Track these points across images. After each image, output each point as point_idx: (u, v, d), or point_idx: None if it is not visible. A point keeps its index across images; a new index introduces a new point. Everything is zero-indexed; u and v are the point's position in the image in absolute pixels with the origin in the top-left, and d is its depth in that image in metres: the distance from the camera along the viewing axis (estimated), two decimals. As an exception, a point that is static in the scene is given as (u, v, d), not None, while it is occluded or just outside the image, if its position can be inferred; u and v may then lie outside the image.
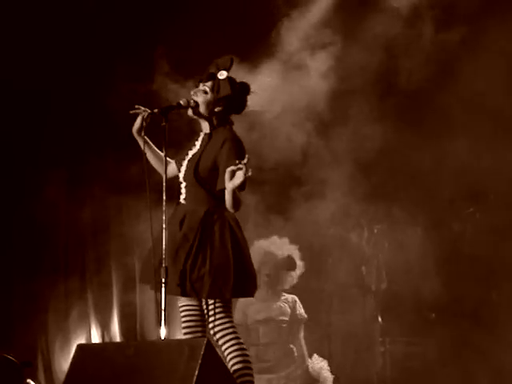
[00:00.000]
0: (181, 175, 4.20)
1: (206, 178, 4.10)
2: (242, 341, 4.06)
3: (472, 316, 6.75)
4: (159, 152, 4.33)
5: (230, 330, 4.03)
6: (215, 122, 4.20)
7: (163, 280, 3.94)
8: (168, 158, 4.24)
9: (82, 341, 7.15)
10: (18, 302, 7.09)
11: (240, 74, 4.42)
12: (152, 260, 4.00)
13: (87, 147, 7.24)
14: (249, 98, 4.28)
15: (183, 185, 4.18)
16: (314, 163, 6.81)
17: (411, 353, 7.01)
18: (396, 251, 6.88)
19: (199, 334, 4.10)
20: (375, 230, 6.90)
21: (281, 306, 6.03)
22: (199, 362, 3.41)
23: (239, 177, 3.88)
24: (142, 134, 4.26)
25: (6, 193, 7.05)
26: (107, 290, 7.44)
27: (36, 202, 7.18)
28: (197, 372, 3.38)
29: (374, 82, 6.54)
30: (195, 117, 4.23)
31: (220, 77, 4.17)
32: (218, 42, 5.99)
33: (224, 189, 4.00)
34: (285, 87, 6.04)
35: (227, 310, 4.06)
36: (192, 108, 4.19)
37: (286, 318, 6.01)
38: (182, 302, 4.14)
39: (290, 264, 6.07)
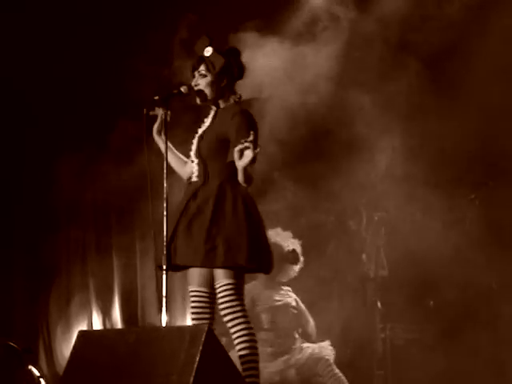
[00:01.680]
0: (192, 153, 4.22)
1: (217, 151, 4.12)
2: (251, 325, 4.05)
3: (472, 304, 6.76)
4: (179, 154, 4.37)
5: (240, 314, 4.02)
6: (225, 95, 4.22)
7: (164, 267, 3.96)
8: (183, 157, 4.32)
9: (84, 327, 7.17)
10: (19, 289, 7.10)
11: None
12: (153, 242, 4.03)
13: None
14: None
15: (195, 162, 4.19)
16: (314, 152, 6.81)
17: (411, 339, 7.02)
18: (396, 238, 6.89)
19: (206, 322, 4.10)
20: (376, 218, 6.90)
21: (287, 295, 6.08)
22: (200, 348, 3.42)
23: (248, 155, 3.90)
24: (162, 135, 4.27)
25: (9, 176, 7.06)
26: (109, 276, 7.45)
27: (38, 184, 7.20)
28: (198, 359, 3.39)
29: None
30: (205, 103, 4.25)
31: (207, 54, 4.20)
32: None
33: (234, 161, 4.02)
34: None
35: (238, 293, 4.04)
36: (199, 99, 4.20)
37: (295, 304, 6.06)
38: (192, 287, 4.15)
39: (294, 258, 6.11)
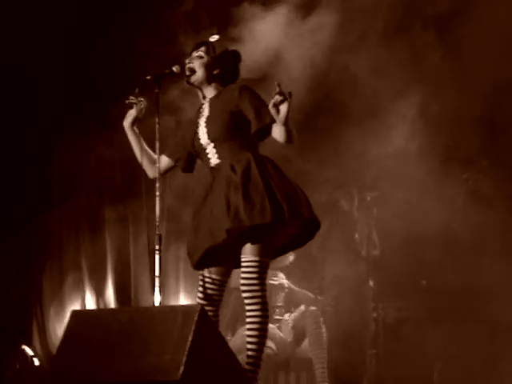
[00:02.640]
0: (203, 141, 4.15)
1: (233, 128, 4.07)
2: (267, 307, 3.99)
3: (465, 283, 6.79)
4: (151, 152, 4.29)
5: (258, 294, 3.96)
6: (214, 86, 4.19)
7: (157, 247, 3.96)
8: (152, 153, 4.25)
9: (77, 307, 7.18)
10: (12, 269, 7.11)
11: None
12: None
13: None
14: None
15: (210, 147, 4.13)
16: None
17: (403, 318, 7.05)
18: (388, 218, 6.90)
19: (213, 308, 4.08)
20: (368, 198, 6.91)
21: (278, 275, 6.09)
22: (193, 328, 3.42)
23: (284, 108, 3.88)
24: (135, 127, 4.25)
25: (1, 157, 7.05)
26: (102, 256, 7.46)
27: (32, 164, 7.19)
28: (190, 338, 3.40)
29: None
30: (191, 85, 4.22)
31: (212, 39, 4.21)
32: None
33: (259, 130, 4.02)
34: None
35: (262, 272, 3.98)
36: (187, 76, 4.18)
37: (284, 284, 6.07)
38: (208, 273, 4.10)
39: None
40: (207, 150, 4.15)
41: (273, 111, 3.92)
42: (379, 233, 6.96)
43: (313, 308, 5.66)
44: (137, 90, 4.19)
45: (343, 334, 6.61)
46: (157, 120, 4.13)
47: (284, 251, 4.22)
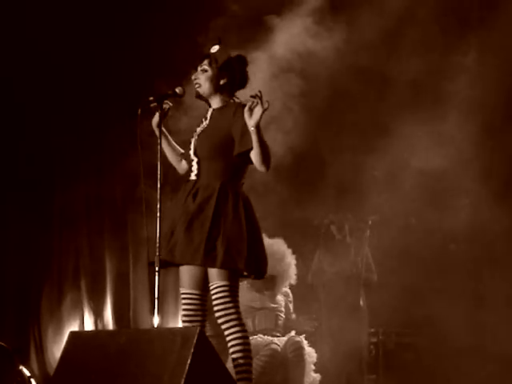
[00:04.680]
0: (191, 152, 4.20)
1: (219, 149, 4.10)
2: (245, 328, 4.04)
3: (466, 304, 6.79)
4: (177, 146, 4.36)
5: (234, 317, 4.00)
6: (223, 96, 4.21)
7: (157, 269, 3.94)
8: (181, 150, 4.31)
9: (75, 328, 7.15)
10: (11, 289, 7.08)
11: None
12: (147, 244, 4.02)
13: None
14: None
15: (195, 161, 4.17)
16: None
17: (403, 344, 7.03)
18: (387, 243, 6.90)
19: (197, 324, 4.09)
20: (369, 222, 6.90)
21: (277, 298, 6.03)
22: (191, 351, 3.41)
23: (258, 111, 3.92)
24: (162, 127, 4.25)
25: (3, 172, 7.04)
26: (101, 277, 7.44)
27: (28, 185, 7.18)
28: (189, 361, 3.38)
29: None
30: (200, 99, 4.26)
31: (213, 50, 4.23)
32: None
33: (241, 153, 4.03)
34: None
35: (233, 295, 4.03)
36: (196, 92, 4.21)
37: (282, 309, 6.01)
38: (184, 289, 4.14)
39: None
40: (192, 163, 4.20)
41: (246, 114, 3.95)
42: (376, 257, 6.95)
43: (296, 338, 5.62)
44: (139, 111, 4.18)
45: (342, 359, 6.58)
46: (159, 141, 4.13)
47: (245, 276, 4.22)
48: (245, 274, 4.13)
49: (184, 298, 4.14)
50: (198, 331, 3.48)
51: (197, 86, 4.20)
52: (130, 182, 6.89)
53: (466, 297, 6.79)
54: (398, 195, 6.58)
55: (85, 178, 7.44)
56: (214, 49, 4.22)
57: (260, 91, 3.93)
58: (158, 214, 4.00)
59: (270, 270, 5.85)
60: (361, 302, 6.76)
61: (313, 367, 5.69)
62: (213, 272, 4.02)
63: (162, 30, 7.03)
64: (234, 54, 4.27)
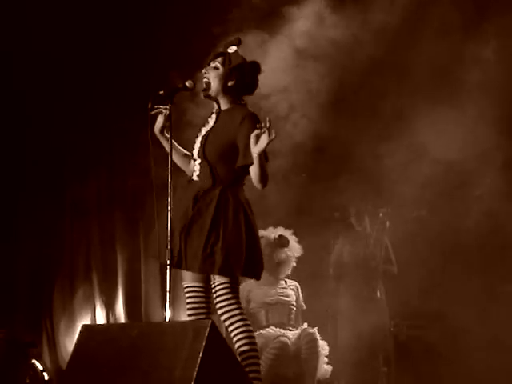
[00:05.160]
0: (195, 152, 4.19)
1: (222, 154, 4.09)
2: (248, 322, 4.06)
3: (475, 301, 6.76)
4: (183, 150, 4.34)
5: (237, 312, 4.03)
6: (229, 98, 4.19)
7: (168, 262, 3.95)
8: (188, 153, 4.30)
9: (87, 321, 7.17)
10: (23, 283, 7.10)
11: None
12: (157, 238, 4.01)
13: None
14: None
15: (197, 162, 4.16)
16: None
17: (415, 336, 7.02)
18: (400, 235, 6.88)
19: (203, 316, 4.10)
20: (380, 214, 6.89)
21: (288, 291, 6.04)
22: (203, 343, 3.41)
23: (264, 140, 3.90)
24: (165, 133, 4.25)
25: (12, 171, 7.05)
26: (112, 271, 7.45)
27: (40, 181, 7.19)
28: (201, 354, 3.39)
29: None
30: (207, 99, 4.23)
31: (230, 51, 4.19)
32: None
33: (243, 166, 4.03)
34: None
35: (235, 291, 4.05)
36: (203, 90, 4.19)
37: (294, 303, 6.02)
38: (187, 283, 4.14)
39: (281, 241, 6.07)
40: (194, 163, 4.20)
41: (252, 140, 3.93)
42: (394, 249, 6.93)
43: (309, 330, 5.62)
44: (150, 105, 4.17)
45: (356, 350, 6.57)
46: (169, 134, 4.13)
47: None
48: None
49: (188, 292, 4.14)
50: (209, 324, 3.48)
51: (205, 80, 4.18)
52: (141, 175, 6.88)
53: (478, 289, 6.77)
54: (414, 186, 6.54)
55: (96, 172, 7.44)
56: (232, 49, 4.19)
57: (270, 120, 3.90)
58: (169, 208, 4.00)
59: (276, 259, 5.95)
60: (378, 294, 6.75)
61: (325, 359, 5.70)
62: None
63: (178, 21, 7.00)
64: (249, 59, 4.24)
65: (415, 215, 6.94)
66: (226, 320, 4.04)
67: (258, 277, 4.16)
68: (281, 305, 5.91)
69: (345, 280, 6.90)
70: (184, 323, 3.88)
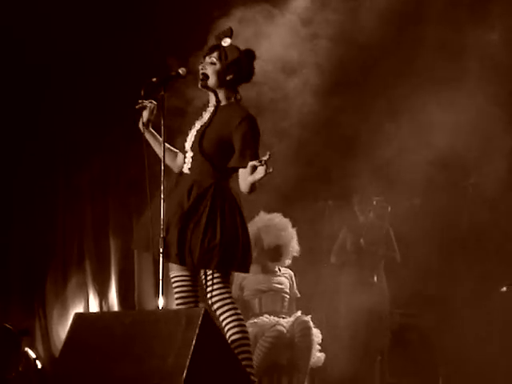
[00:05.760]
0: (187, 145, 4.18)
1: (215, 150, 4.09)
2: (239, 311, 4.07)
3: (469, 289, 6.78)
4: (169, 146, 4.31)
5: (228, 301, 4.04)
6: (226, 92, 4.18)
7: (161, 250, 3.94)
8: (173, 149, 4.28)
9: (80, 310, 7.16)
10: (16, 271, 7.09)
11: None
12: (151, 228, 3.98)
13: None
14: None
15: (189, 154, 4.16)
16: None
17: (408, 325, 7.03)
18: (394, 222, 6.89)
19: (192, 305, 4.10)
20: (374, 202, 6.90)
21: (281, 279, 6.03)
22: (196, 331, 3.41)
23: (260, 172, 3.91)
24: (150, 128, 4.24)
25: (6, 161, 7.03)
26: (105, 259, 7.44)
27: (33, 169, 7.17)
28: (194, 341, 3.39)
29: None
30: (205, 89, 4.22)
31: (224, 44, 4.18)
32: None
33: (235, 168, 4.05)
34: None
35: (226, 281, 4.06)
36: (201, 81, 4.17)
37: (288, 291, 6.02)
38: (174, 272, 4.12)
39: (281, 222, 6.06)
40: (186, 155, 4.18)
41: (249, 169, 3.95)
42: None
43: (303, 318, 5.63)
44: (142, 93, 4.15)
45: (351, 338, 6.59)
46: (162, 122, 4.11)
47: None
48: None
49: (175, 281, 4.13)
50: (203, 312, 3.48)
51: (202, 76, 4.17)
52: (134, 164, 6.87)
53: (471, 277, 6.78)
54: (413, 173, 6.53)
55: (89, 161, 7.43)
56: (226, 42, 4.17)
57: (270, 155, 3.89)
58: (162, 197, 3.99)
59: (275, 240, 5.94)
60: (375, 279, 6.77)
61: (318, 347, 5.71)
62: None
63: (177, 6, 6.96)
64: (242, 47, 4.22)
65: (413, 202, 6.95)
66: (217, 309, 4.04)
67: (248, 270, 4.16)
68: (274, 292, 5.91)
69: (345, 266, 6.92)
70: (177, 311, 3.88)
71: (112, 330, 3.61)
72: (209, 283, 4.04)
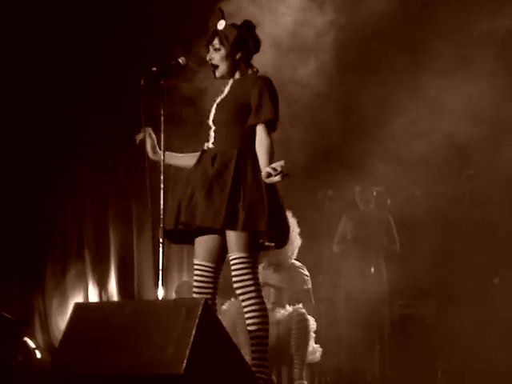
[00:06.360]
0: (210, 121, 4.19)
1: (236, 117, 4.09)
2: (262, 300, 4.01)
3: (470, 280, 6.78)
4: (174, 154, 4.29)
5: (251, 289, 3.97)
6: (241, 68, 4.19)
7: (161, 240, 3.93)
8: (181, 155, 4.27)
9: (80, 300, 7.17)
10: (15, 261, 7.09)
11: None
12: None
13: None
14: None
15: (212, 129, 4.16)
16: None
17: (409, 315, 7.04)
18: (395, 212, 6.89)
19: (207, 296, 4.06)
20: (374, 193, 6.91)
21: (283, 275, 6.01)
22: (196, 321, 3.40)
23: (275, 179, 3.90)
24: (158, 150, 4.22)
25: (5, 152, 7.01)
26: (105, 249, 7.44)
27: (32, 160, 7.15)
28: (194, 332, 3.38)
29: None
30: (221, 79, 4.22)
31: (220, 27, 4.17)
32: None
33: (253, 125, 4.03)
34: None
35: (252, 267, 3.99)
36: (213, 72, 4.17)
37: (279, 285, 5.99)
38: (197, 260, 4.12)
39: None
40: (210, 131, 4.19)
41: (264, 174, 3.93)
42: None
43: (301, 310, 5.63)
44: (142, 82, 4.14)
45: (350, 328, 6.60)
46: (162, 112, 4.10)
47: (265, 247, 4.19)
48: (266, 244, 4.11)
49: (196, 269, 4.12)
50: (202, 302, 3.47)
51: (213, 65, 4.18)
52: (134, 153, 6.85)
53: (472, 269, 6.78)
54: (413, 163, 6.52)
55: (88, 150, 7.42)
56: (221, 25, 4.16)
57: (283, 164, 3.89)
58: (162, 186, 3.98)
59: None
60: (372, 270, 6.77)
61: (313, 335, 5.70)
62: (232, 243, 3.99)
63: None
64: (238, 21, 4.21)
65: (415, 194, 6.95)
66: (239, 295, 4.00)
67: (282, 241, 4.11)
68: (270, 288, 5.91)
69: (344, 256, 6.93)
70: (177, 301, 3.88)
71: (111, 320, 3.60)
72: (232, 267, 3.99)
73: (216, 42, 4.16)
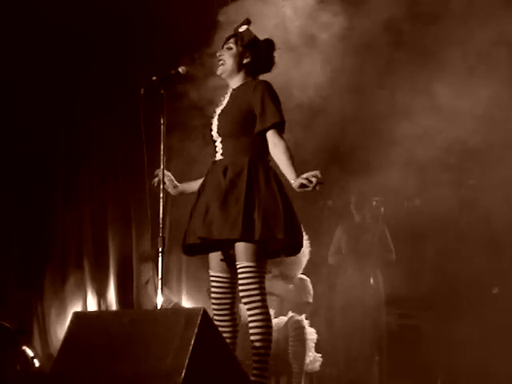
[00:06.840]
0: (214, 133, 4.17)
1: (241, 126, 4.07)
2: (267, 311, 3.99)
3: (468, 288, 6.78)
4: (193, 183, 4.33)
5: (257, 298, 3.96)
6: (245, 75, 4.19)
7: (160, 249, 3.93)
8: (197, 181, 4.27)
9: (78, 309, 7.15)
10: (14, 269, 7.07)
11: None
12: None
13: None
14: None
15: (218, 140, 4.15)
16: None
17: (406, 325, 7.03)
18: (391, 222, 6.89)
19: (226, 307, 4.08)
20: (374, 203, 6.90)
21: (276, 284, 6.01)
22: (195, 331, 3.39)
23: (306, 188, 3.89)
24: (177, 185, 4.31)
25: (4, 156, 7.01)
26: (104, 258, 7.43)
27: (33, 171, 7.15)
28: (193, 342, 3.37)
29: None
30: (223, 77, 4.22)
31: (241, 29, 4.21)
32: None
33: (261, 131, 4.02)
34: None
35: (259, 276, 3.98)
36: (219, 64, 4.19)
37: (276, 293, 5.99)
38: (212, 272, 4.12)
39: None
40: (216, 143, 4.18)
41: (296, 184, 3.91)
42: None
43: (296, 317, 5.61)
44: (142, 91, 4.15)
45: (348, 339, 6.58)
46: (162, 121, 4.11)
47: (276, 255, 4.20)
48: (277, 251, 4.12)
49: (212, 281, 4.12)
50: (201, 312, 3.46)
51: (220, 62, 4.19)
52: (134, 162, 6.87)
53: (472, 279, 6.77)
54: (411, 172, 6.51)
55: (88, 159, 7.42)
56: (242, 28, 4.21)
57: (320, 176, 3.88)
58: (161, 195, 3.99)
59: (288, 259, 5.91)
60: (371, 281, 6.76)
61: (313, 344, 5.69)
62: (240, 252, 3.97)
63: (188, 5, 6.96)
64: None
65: (411, 204, 6.95)
66: (245, 304, 3.99)
67: (297, 247, 4.10)
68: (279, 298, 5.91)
69: (341, 267, 6.92)
70: (176, 311, 3.87)
71: (110, 329, 3.59)
72: (239, 276, 3.97)
73: (231, 41, 4.20)
